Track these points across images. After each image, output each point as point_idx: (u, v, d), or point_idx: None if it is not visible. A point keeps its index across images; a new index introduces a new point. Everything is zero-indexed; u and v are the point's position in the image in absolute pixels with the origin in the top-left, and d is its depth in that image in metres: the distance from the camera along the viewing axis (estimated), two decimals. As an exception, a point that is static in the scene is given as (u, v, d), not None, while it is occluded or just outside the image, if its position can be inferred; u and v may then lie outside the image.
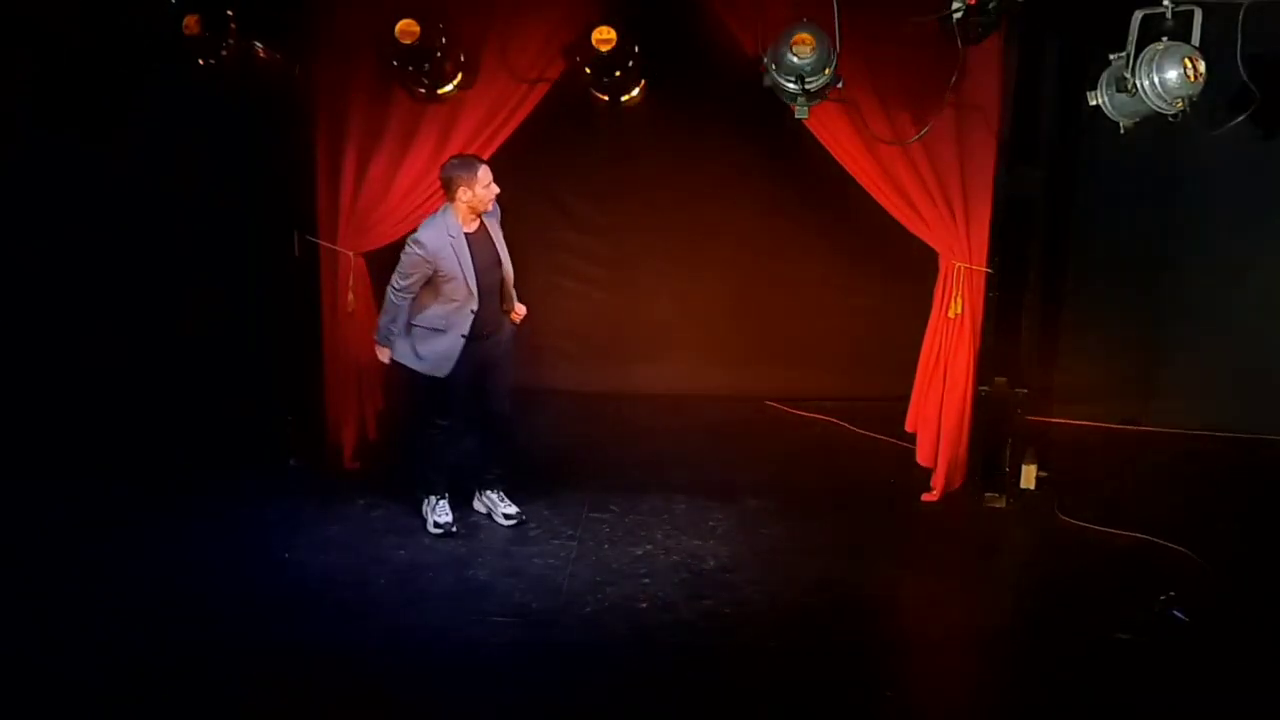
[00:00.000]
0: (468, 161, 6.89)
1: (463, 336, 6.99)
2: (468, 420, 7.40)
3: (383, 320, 7.13)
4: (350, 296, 7.87)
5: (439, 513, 7.45)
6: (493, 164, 7.56)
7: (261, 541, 7.38)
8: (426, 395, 7.19)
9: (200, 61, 6.80)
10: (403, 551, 7.28)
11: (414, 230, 6.92)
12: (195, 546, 7.31)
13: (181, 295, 8.56)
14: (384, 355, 7.23)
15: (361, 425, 8.22)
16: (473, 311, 6.98)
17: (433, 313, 7.00)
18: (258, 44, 6.78)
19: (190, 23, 6.50)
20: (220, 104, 7.79)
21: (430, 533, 7.41)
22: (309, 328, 8.06)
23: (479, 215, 6.94)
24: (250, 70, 7.18)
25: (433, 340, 7.03)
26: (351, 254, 7.84)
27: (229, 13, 6.58)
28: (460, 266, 6.87)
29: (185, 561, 7.13)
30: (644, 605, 6.85)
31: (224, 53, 6.72)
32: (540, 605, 6.81)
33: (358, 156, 7.71)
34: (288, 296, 8.14)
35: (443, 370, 7.06)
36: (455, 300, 6.94)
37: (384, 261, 7.87)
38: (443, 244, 6.82)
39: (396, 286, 6.95)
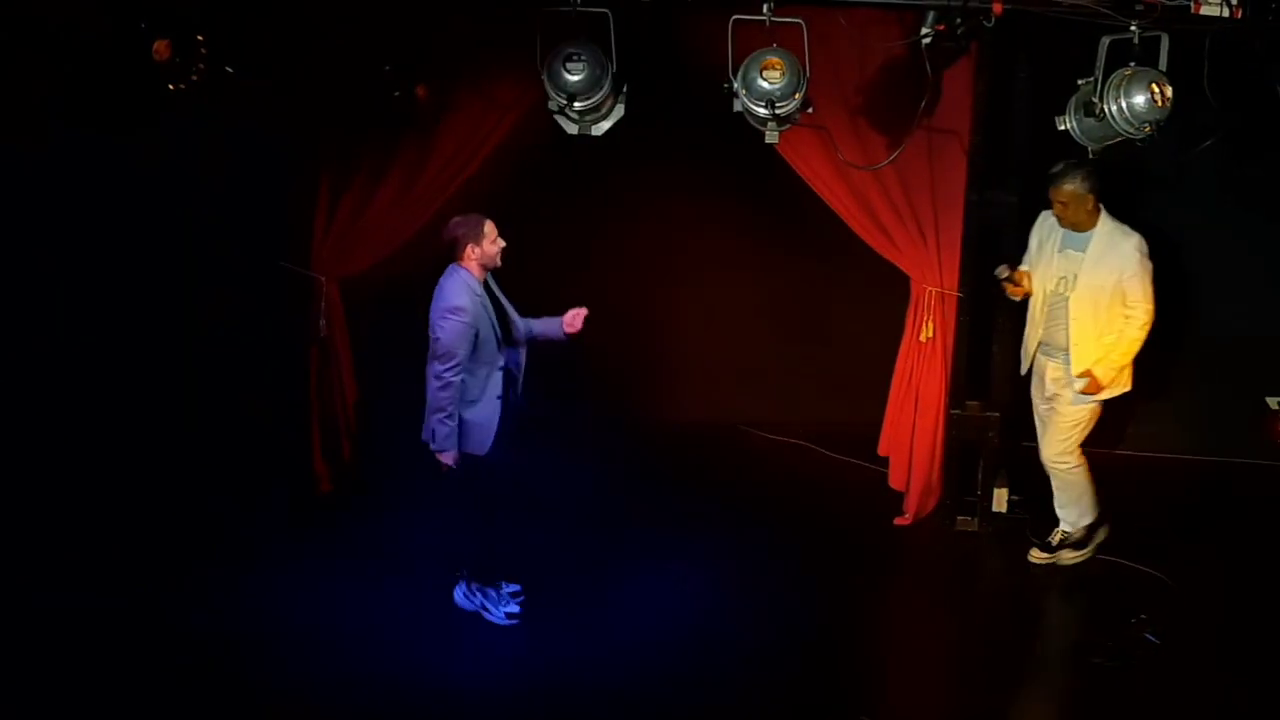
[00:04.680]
0: (471, 219, 6.63)
1: (498, 398, 6.65)
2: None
3: (435, 418, 6.49)
4: (322, 321, 7.86)
5: (507, 602, 7.02)
6: (467, 192, 7.59)
7: (237, 567, 7.35)
8: (472, 480, 6.74)
9: (170, 87, 6.74)
10: (375, 576, 7.25)
11: (447, 302, 6.46)
12: (168, 572, 7.27)
13: (156, 316, 8.51)
14: (450, 459, 6.57)
15: (337, 449, 8.19)
16: (501, 369, 6.70)
17: (468, 384, 6.57)
18: (229, 69, 6.72)
19: (160, 48, 6.44)
20: (197, 128, 7.77)
21: (503, 624, 6.95)
22: (286, 351, 8.04)
23: (487, 271, 6.71)
24: (222, 96, 7.15)
25: (472, 413, 6.61)
26: (325, 279, 7.83)
27: (199, 38, 6.54)
28: (492, 323, 6.60)
29: (159, 589, 7.09)
30: (618, 631, 6.84)
31: (194, 78, 6.67)
32: (508, 635, 6.79)
33: (331, 182, 7.70)
34: (266, 321, 8.13)
35: (485, 444, 6.67)
36: (487, 363, 6.61)
37: (356, 286, 7.91)
38: (476, 304, 6.51)
39: (447, 369, 6.41)
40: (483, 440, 6.67)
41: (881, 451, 8.22)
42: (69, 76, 6.65)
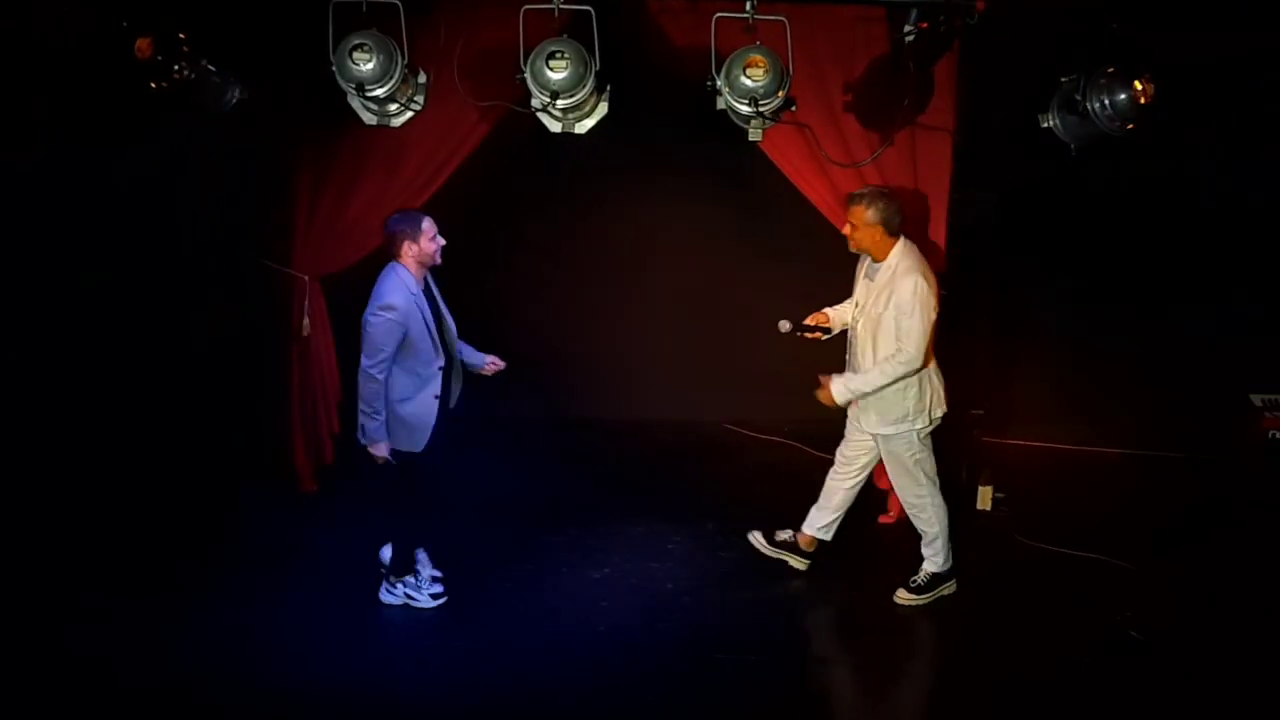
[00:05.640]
0: (410, 215, 6.65)
1: (435, 397, 6.67)
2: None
3: (366, 412, 6.53)
4: (305, 320, 7.83)
5: (430, 585, 7.07)
6: (448, 189, 7.57)
7: (218, 568, 7.33)
8: (402, 477, 6.79)
9: (153, 85, 6.71)
10: (359, 578, 7.23)
11: (379, 300, 6.49)
12: (149, 573, 7.24)
13: (134, 315, 8.48)
14: (383, 451, 6.61)
15: (318, 449, 8.17)
16: (440, 369, 6.71)
17: (401, 382, 6.61)
18: (210, 68, 6.70)
19: (143, 46, 6.42)
20: (175, 125, 7.74)
21: (429, 607, 7.02)
22: (269, 351, 8.02)
23: (426, 270, 6.74)
24: (204, 94, 7.11)
25: (405, 410, 6.64)
26: (307, 278, 7.81)
27: (181, 36, 6.52)
28: (425, 323, 6.60)
29: (140, 591, 7.06)
30: (601, 629, 6.84)
31: (176, 76, 6.64)
32: (497, 630, 6.79)
33: (311, 180, 7.67)
34: (248, 320, 8.11)
35: (419, 442, 6.69)
36: (423, 361, 6.61)
37: (338, 285, 7.88)
38: (410, 302, 6.52)
39: (373, 365, 6.46)
40: (417, 438, 6.70)
41: (866, 450, 8.22)
42: (54, 85, 6.66)
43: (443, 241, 6.69)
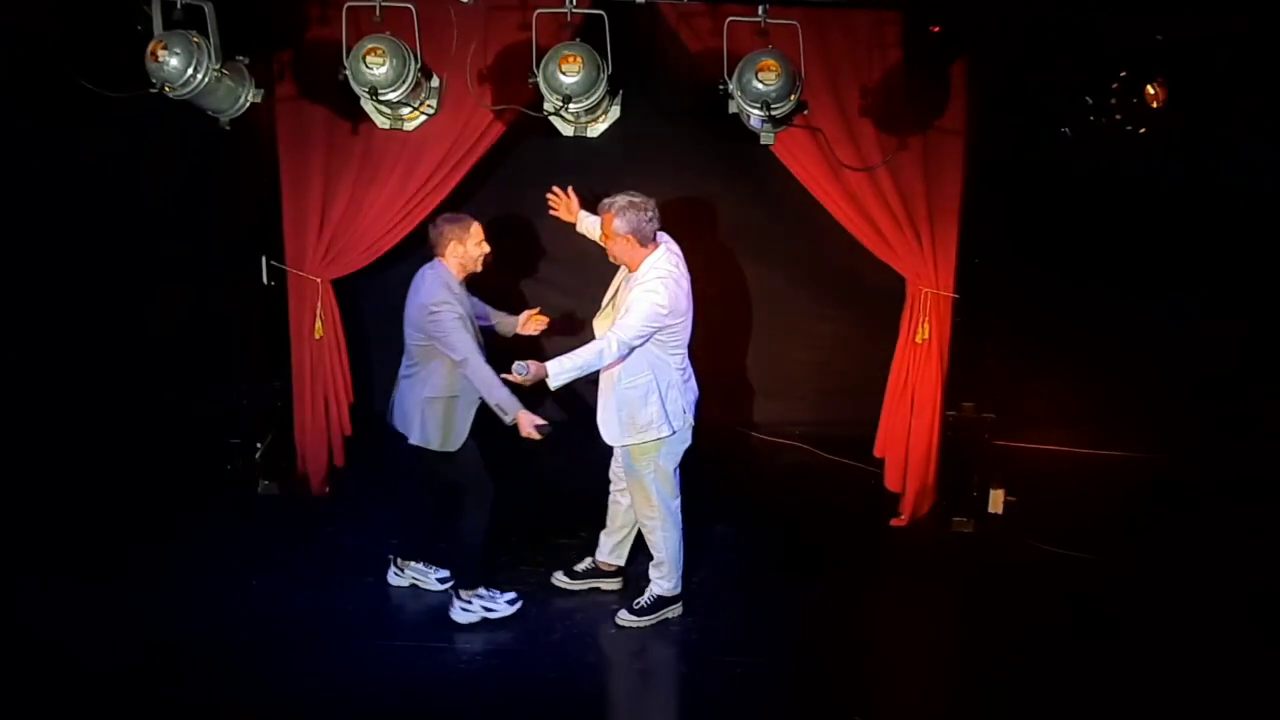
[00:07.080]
0: (460, 218, 6.63)
1: (478, 396, 6.60)
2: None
3: (491, 395, 6.43)
4: (318, 323, 7.84)
5: (502, 591, 6.98)
6: (459, 192, 7.59)
7: (229, 571, 7.33)
8: (460, 472, 6.76)
9: (168, 89, 6.73)
10: (370, 580, 7.25)
11: (428, 298, 6.47)
12: (161, 575, 7.25)
13: (148, 316, 8.50)
14: (527, 422, 6.44)
15: (330, 452, 8.18)
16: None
17: (441, 381, 6.58)
18: (223, 71, 6.71)
19: (155, 49, 6.44)
20: (188, 126, 7.76)
21: (509, 614, 6.90)
22: (277, 353, 8.04)
23: (466, 273, 6.68)
24: (216, 97, 7.12)
25: (441, 408, 6.61)
26: (320, 280, 7.82)
27: (195, 40, 6.53)
28: (471, 321, 6.59)
29: (151, 591, 7.07)
30: (611, 632, 6.84)
31: (189, 79, 6.65)
32: (508, 632, 6.79)
33: (324, 183, 7.67)
34: (257, 322, 8.12)
35: (456, 443, 6.65)
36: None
37: (351, 288, 7.90)
38: (456, 296, 6.51)
39: (464, 359, 6.40)
40: (452, 439, 6.67)
41: (878, 453, 8.22)
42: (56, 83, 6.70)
43: (488, 248, 6.67)
